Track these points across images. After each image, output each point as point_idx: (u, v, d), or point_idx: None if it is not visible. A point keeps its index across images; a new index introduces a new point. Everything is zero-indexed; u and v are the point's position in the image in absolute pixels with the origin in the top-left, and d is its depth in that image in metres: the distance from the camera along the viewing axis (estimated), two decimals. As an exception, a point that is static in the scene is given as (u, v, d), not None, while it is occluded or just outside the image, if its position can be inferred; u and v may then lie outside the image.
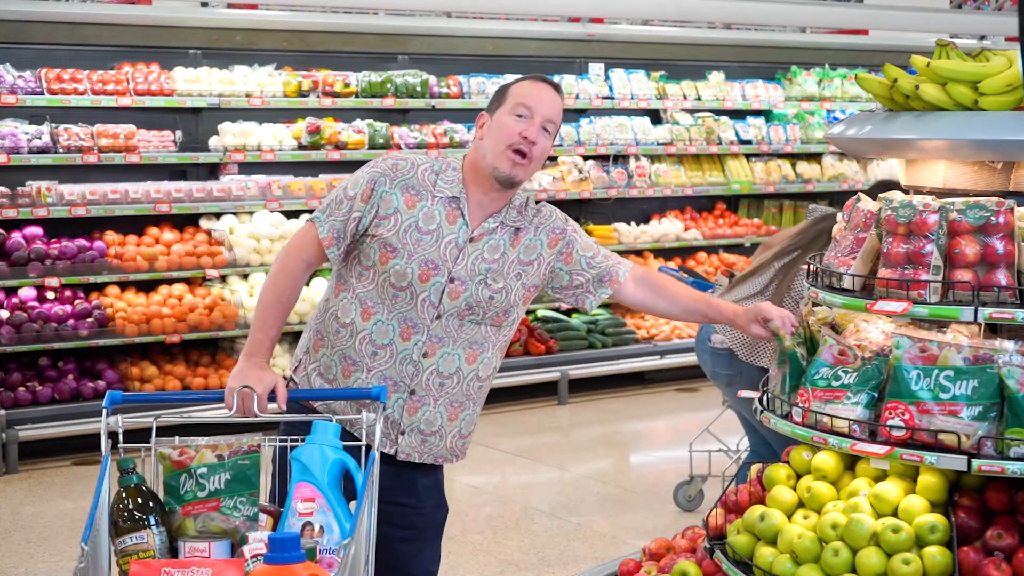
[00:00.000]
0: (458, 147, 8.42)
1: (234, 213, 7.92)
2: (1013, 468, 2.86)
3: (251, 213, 7.96)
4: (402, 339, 3.22)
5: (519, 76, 3.36)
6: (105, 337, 7.31)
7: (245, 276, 7.93)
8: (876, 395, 3.09)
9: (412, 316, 3.21)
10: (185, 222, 7.91)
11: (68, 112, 7.52)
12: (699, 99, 9.70)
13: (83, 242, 7.45)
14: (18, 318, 7.15)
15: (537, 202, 3.40)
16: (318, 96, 8.10)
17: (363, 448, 2.87)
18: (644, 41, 9.99)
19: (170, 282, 7.76)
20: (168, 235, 7.75)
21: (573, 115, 9.28)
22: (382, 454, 3.20)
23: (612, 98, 9.27)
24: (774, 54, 10.41)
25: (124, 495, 2.74)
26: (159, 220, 7.81)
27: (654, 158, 9.49)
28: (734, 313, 3.39)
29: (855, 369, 3.14)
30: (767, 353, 5.04)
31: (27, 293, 7.33)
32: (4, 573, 5.47)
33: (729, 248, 9.89)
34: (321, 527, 2.74)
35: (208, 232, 7.87)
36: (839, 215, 3.43)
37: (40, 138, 7.31)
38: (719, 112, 9.81)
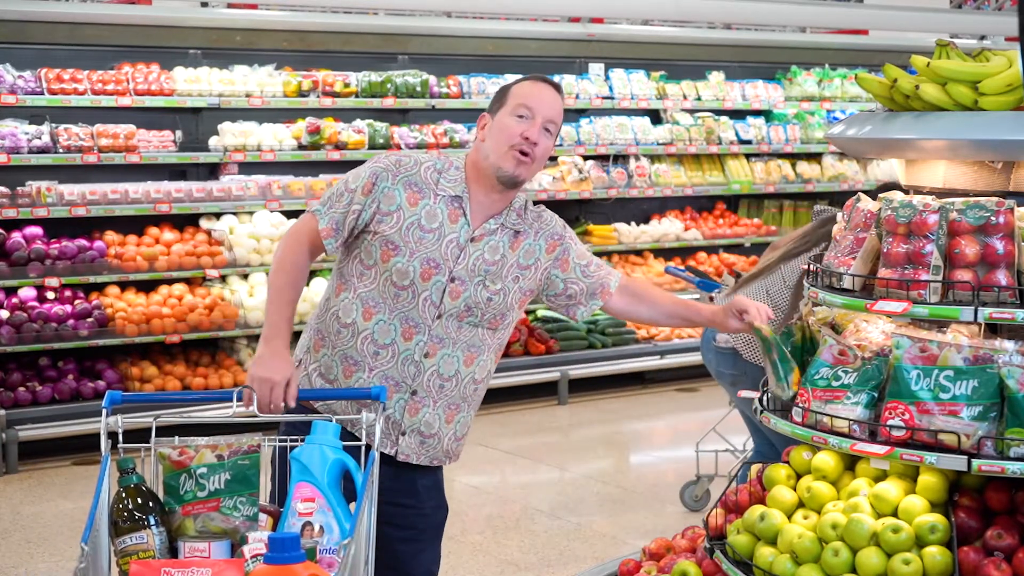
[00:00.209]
0: (458, 147, 8.43)
1: (234, 213, 7.92)
2: (1013, 468, 2.87)
3: (251, 213, 7.96)
4: (404, 339, 3.22)
5: (520, 77, 3.36)
6: (105, 337, 7.31)
7: (245, 276, 7.93)
8: (876, 395, 3.10)
9: (414, 316, 3.21)
10: (185, 222, 7.91)
11: (68, 112, 7.52)
12: (699, 99, 9.70)
13: (83, 242, 7.45)
14: (18, 318, 7.15)
15: (536, 203, 3.40)
16: (318, 96, 8.10)
17: (363, 448, 2.87)
18: (644, 41, 9.99)
19: (170, 282, 7.76)
20: (168, 235, 7.75)
21: (573, 115, 9.28)
22: (382, 454, 3.20)
23: (612, 98, 9.27)
24: (774, 54, 10.41)
25: (124, 495, 2.74)
26: (159, 220, 7.81)
27: (654, 158, 9.49)
28: (712, 313, 3.40)
29: (855, 369, 3.14)
30: None
31: (27, 293, 7.33)
32: (4, 573, 5.47)
33: (729, 248, 9.89)
34: (321, 527, 2.74)
35: (208, 232, 7.87)
36: (840, 216, 3.43)
37: (40, 138, 7.31)
38: (719, 112, 9.81)
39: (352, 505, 2.84)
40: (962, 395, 2.93)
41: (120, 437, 2.84)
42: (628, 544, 5.64)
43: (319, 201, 3.29)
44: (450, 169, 3.28)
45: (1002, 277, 2.97)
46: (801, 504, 3.26)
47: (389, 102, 8.31)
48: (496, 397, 8.21)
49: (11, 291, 7.33)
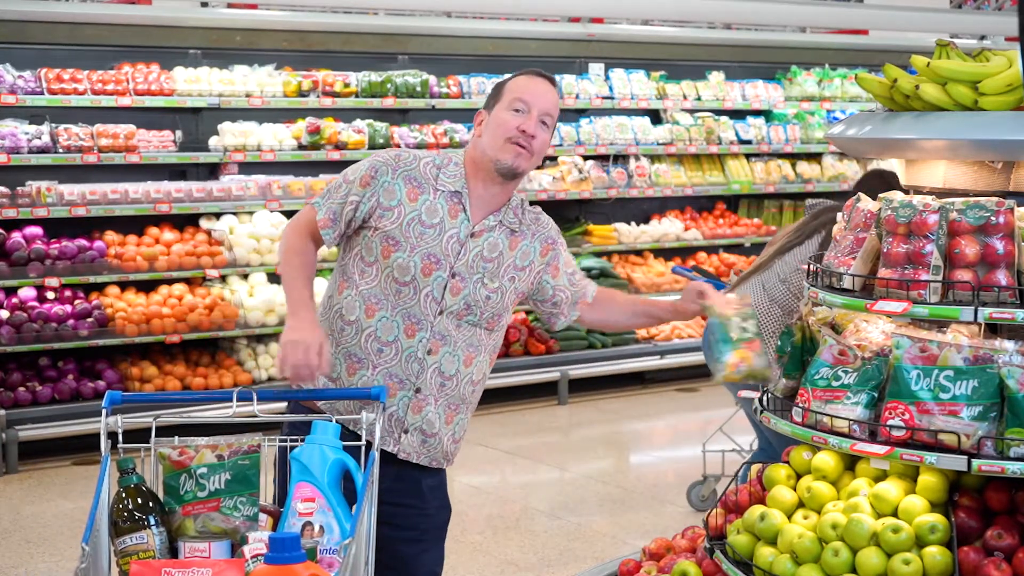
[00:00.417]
0: (458, 147, 8.42)
1: (234, 213, 7.92)
2: (1013, 468, 2.87)
3: (251, 213, 7.96)
4: (407, 336, 3.22)
5: (514, 72, 3.37)
6: (105, 337, 7.31)
7: (245, 276, 7.93)
8: (876, 395, 3.10)
9: (416, 312, 3.22)
10: (185, 222, 7.91)
11: (68, 112, 7.52)
12: (699, 99, 9.70)
13: (83, 242, 7.45)
14: (18, 318, 7.15)
15: (533, 203, 3.41)
16: (318, 96, 8.10)
17: (363, 448, 2.87)
18: (644, 41, 9.99)
19: (170, 282, 7.76)
20: (168, 235, 7.75)
21: (573, 115, 9.28)
22: (384, 454, 3.20)
23: (612, 98, 9.27)
24: (774, 54, 10.40)
25: (124, 495, 2.74)
26: (159, 220, 7.81)
27: (654, 158, 9.48)
28: (673, 303, 3.43)
29: (855, 369, 3.14)
30: (769, 346, 5.07)
31: (27, 293, 7.33)
32: (4, 573, 5.47)
33: (729, 248, 9.89)
34: (321, 527, 2.73)
35: (208, 232, 7.87)
36: (840, 215, 3.43)
37: (40, 138, 7.31)
38: (719, 112, 9.81)
39: (355, 507, 2.84)
40: (962, 395, 2.93)
41: (120, 437, 2.83)
42: (628, 544, 5.64)
43: (319, 194, 3.31)
44: (449, 165, 3.29)
45: (1002, 277, 2.97)
46: (801, 504, 3.26)
47: (389, 102, 8.31)
48: (496, 397, 8.21)
49: (11, 291, 7.33)
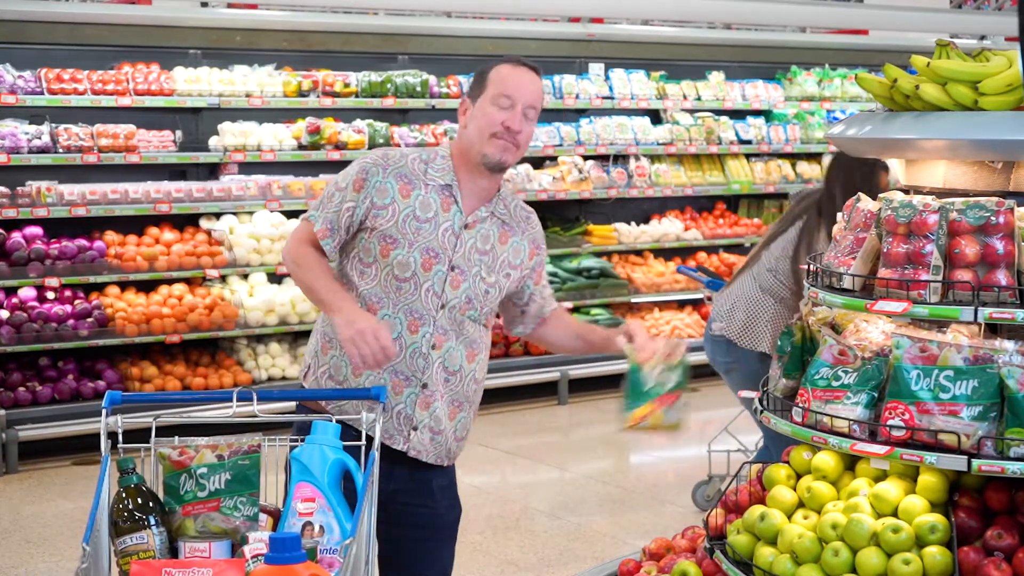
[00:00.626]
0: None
1: (234, 213, 7.92)
2: (1013, 468, 2.86)
3: (251, 213, 7.96)
4: (410, 332, 3.23)
5: (496, 61, 3.32)
6: (105, 337, 7.31)
7: (245, 276, 7.93)
8: (876, 395, 3.09)
9: (417, 307, 3.23)
10: (185, 222, 7.91)
11: (68, 112, 7.52)
12: (699, 99, 9.70)
13: (83, 242, 7.45)
14: (18, 318, 7.15)
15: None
16: (318, 96, 8.10)
17: (363, 448, 2.87)
18: (644, 41, 9.99)
19: (170, 282, 7.76)
20: (168, 235, 7.75)
21: (573, 115, 9.28)
22: (394, 453, 3.22)
23: (612, 98, 9.27)
24: (774, 54, 10.40)
25: (124, 495, 2.74)
26: (159, 220, 7.81)
27: (654, 158, 9.48)
28: (607, 335, 3.42)
29: (855, 369, 3.14)
30: (765, 337, 5.14)
31: (27, 293, 7.33)
32: (4, 573, 5.47)
33: (729, 248, 9.89)
34: (321, 527, 2.73)
35: (208, 232, 7.87)
36: (840, 215, 3.43)
37: (40, 138, 7.31)
38: (719, 112, 9.81)
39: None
40: (962, 395, 2.93)
41: (120, 437, 2.83)
42: (628, 544, 5.64)
43: (312, 206, 3.31)
44: (436, 159, 3.31)
45: (1002, 277, 2.97)
46: (801, 504, 3.26)
47: (389, 102, 8.31)
48: (496, 397, 8.21)
49: (11, 291, 7.33)
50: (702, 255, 9.72)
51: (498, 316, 3.51)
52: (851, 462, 3.27)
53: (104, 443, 2.80)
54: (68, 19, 7.68)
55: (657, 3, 9.71)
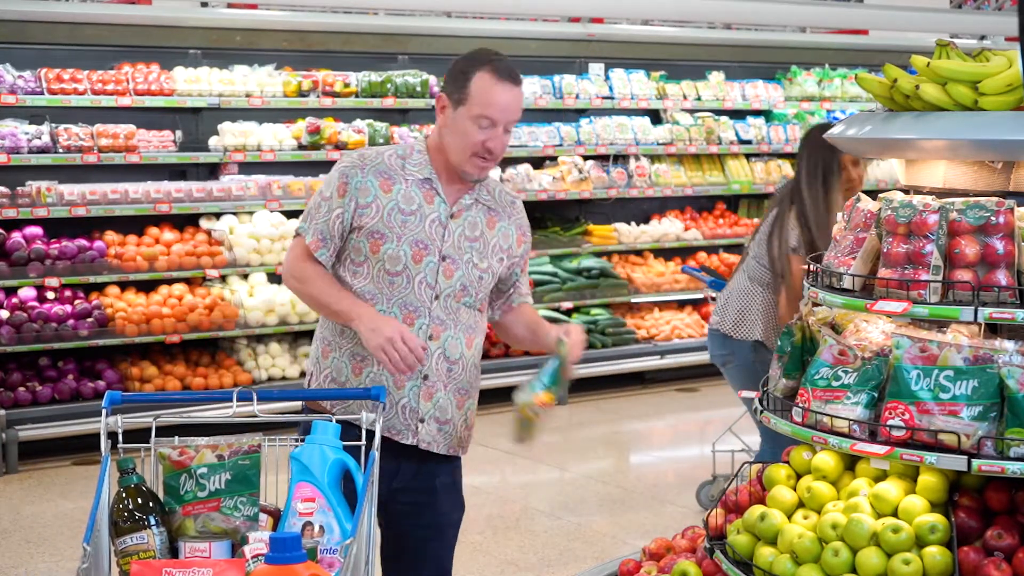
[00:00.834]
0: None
1: (234, 213, 7.92)
2: (1013, 468, 2.86)
3: (251, 213, 7.96)
4: (406, 325, 3.23)
5: (479, 62, 3.26)
6: (105, 337, 7.31)
7: (245, 276, 7.93)
8: (876, 395, 3.09)
9: (411, 300, 3.25)
10: (185, 222, 7.91)
11: (68, 112, 7.51)
12: (699, 99, 9.70)
13: (83, 242, 7.45)
14: (18, 318, 7.15)
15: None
16: (318, 96, 8.10)
17: (363, 448, 2.87)
18: (644, 41, 9.99)
19: (170, 282, 7.76)
20: (168, 235, 7.75)
21: (573, 115, 9.28)
22: (403, 448, 3.23)
23: (612, 98, 9.27)
24: (774, 54, 10.40)
25: (124, 495, 2.74)
26: (159, 220, 7.81)
27: (654, 158, 9.48)
28: (549, 330, 3.47)
29: (855, 369, 3.14)
30: (757, 325, 5.21)
31: (27, 293, 7.33)
32: (4, 573, 5.47)
33: (729, 248, 9.88)
34: (321, 527, 2.74)
35: (208, 232, 7.87)
36: (840, 215, 3.43)
37: (40, 138, 7.31)
38: (719, 112, 9.81)
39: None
40: (962, 395, 2.93)
41: (120, 437, 2.83)
42: (628, 544, 5.64)
43: (300, 220, 3.34)
44: (412, 154, 3.36)
45: (1002, 277, 2.97)
46: (801, 504, 3.26)
47: (389, 102, 8.31)
48: (496, 397, 8.19)
49: (11, 291, 7.33)
50: (702, 255, 9.72)
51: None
52: (851, 462, 3.27)
53: (104, 443, 2.80)
54: (68, 19, 7.68)
55: (657, 3, 9.71)
